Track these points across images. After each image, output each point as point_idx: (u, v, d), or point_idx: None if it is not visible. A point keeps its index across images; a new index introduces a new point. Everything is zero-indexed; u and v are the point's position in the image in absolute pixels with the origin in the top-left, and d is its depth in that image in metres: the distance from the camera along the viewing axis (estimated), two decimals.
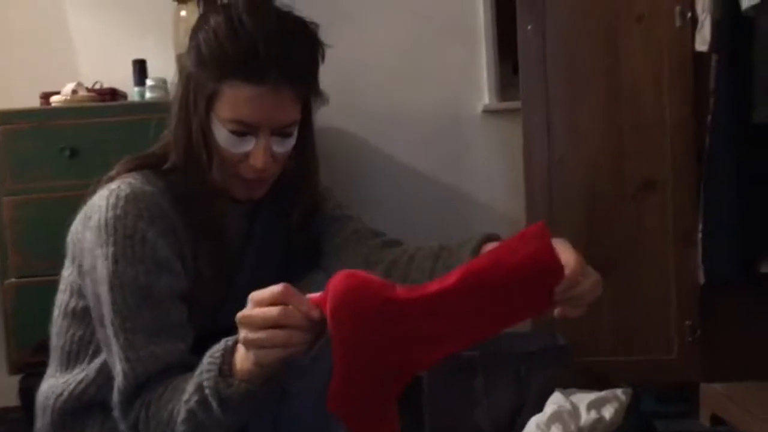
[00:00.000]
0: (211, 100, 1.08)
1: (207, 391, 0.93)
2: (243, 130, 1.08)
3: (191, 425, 0.97)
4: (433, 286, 0.82)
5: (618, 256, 2.29)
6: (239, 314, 0.86)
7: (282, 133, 1.11)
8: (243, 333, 0.87)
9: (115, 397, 1.05)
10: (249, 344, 0.87)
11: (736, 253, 2.12)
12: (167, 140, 1.17)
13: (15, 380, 2.31)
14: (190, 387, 0.97)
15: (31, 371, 2.21)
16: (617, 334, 2.30)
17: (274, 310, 0.84)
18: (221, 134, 1.09)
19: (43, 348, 1.35)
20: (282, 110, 1.09)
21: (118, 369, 1.05)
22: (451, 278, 0.82)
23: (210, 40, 1.07)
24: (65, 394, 1.16)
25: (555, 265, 0.83)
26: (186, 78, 1.12)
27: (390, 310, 0.81)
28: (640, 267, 2.28)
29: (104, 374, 1.12)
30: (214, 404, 0.93)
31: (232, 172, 1.13)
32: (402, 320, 0.82)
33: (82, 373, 1.16)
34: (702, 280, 2.20)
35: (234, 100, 1.07)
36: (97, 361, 1.14)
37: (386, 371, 0.86)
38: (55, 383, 1.18)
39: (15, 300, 2.26)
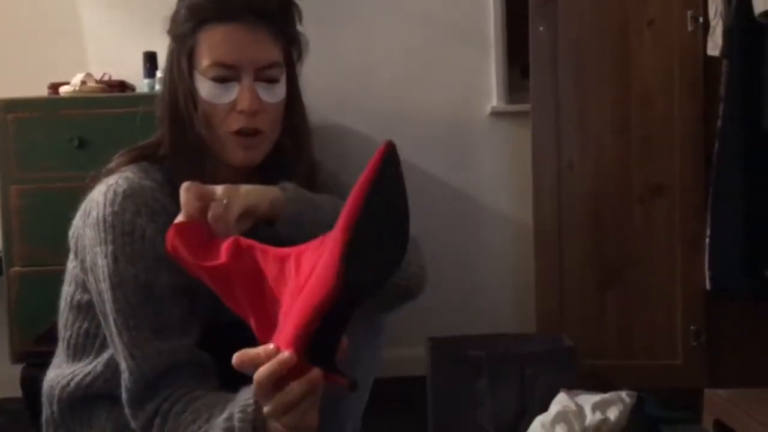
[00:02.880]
0: (191, 56, 1.09)
1: None
2: (224, 74, 1.08)
3: None
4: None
5: (625, 260, 2.29)
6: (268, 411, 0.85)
7: (266, 77, 1.10)
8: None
9: (124, 394, 1.04)
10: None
11: (742, 260, 2.13)
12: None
13: (17, 370, 2.30)
14: (219, 426, 0.93)
15: (33, 361, 2.21)
16: (623, 338, 2.30)
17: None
18: (205, 87, 1.09)
19: (46, 337, 1.34)
20: (258, 47, 1.09)
21: (123, 366, 1.04)
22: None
23: (186, 4, 1.10)
24: (72, 384, 1.15)
25: None
26: (170, 52, 1.13)
27: None
28: (647, 272, 2.28)
29: (112, 368, 1.10)
30: None
31: (224, 132, 1.11)
32: None
33: (90, 365, 1.15)
34: (708, 286, 2.19)
35: (210, 43, 1.08)
36: (105, 356, 1.13)
37: None
38: (62, 373, 1.17)
39: (19, 289, 2.26)
